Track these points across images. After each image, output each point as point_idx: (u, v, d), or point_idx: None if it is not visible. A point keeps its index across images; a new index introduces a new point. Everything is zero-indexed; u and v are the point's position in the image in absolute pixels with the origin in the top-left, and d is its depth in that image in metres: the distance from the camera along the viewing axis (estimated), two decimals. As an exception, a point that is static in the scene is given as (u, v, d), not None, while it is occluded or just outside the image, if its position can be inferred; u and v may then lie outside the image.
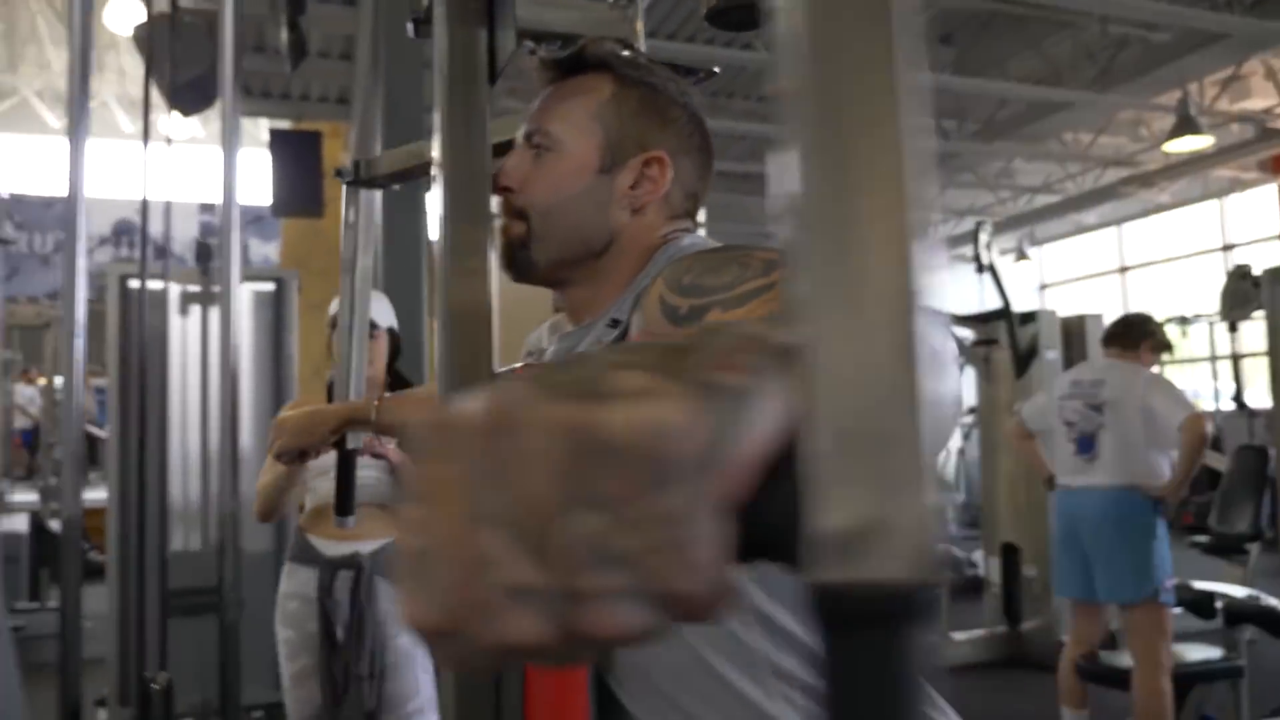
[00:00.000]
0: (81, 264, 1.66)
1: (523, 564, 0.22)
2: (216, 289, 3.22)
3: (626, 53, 0.95)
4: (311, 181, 6.87)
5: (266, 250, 13.19)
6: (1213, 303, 9.46)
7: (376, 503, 1.86)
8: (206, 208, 13.74)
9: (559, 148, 0.89)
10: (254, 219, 13.87)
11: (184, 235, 13.69)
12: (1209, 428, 2.84)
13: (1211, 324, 8.75)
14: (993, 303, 4.59)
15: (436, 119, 0.90)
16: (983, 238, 3.79)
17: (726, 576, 0.23)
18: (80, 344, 1.65)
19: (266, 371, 3.09)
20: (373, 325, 2.30)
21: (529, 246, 0.90)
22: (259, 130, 13.79)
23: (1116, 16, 5.63)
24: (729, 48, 5.97)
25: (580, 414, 0.23)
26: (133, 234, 13.54)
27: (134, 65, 12.68)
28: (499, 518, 0.23)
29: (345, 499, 1.35)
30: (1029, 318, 4.60)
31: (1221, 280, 9.63)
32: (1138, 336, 3.05)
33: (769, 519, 0.26)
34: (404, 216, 4.03)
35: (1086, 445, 3.00)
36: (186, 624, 2.55)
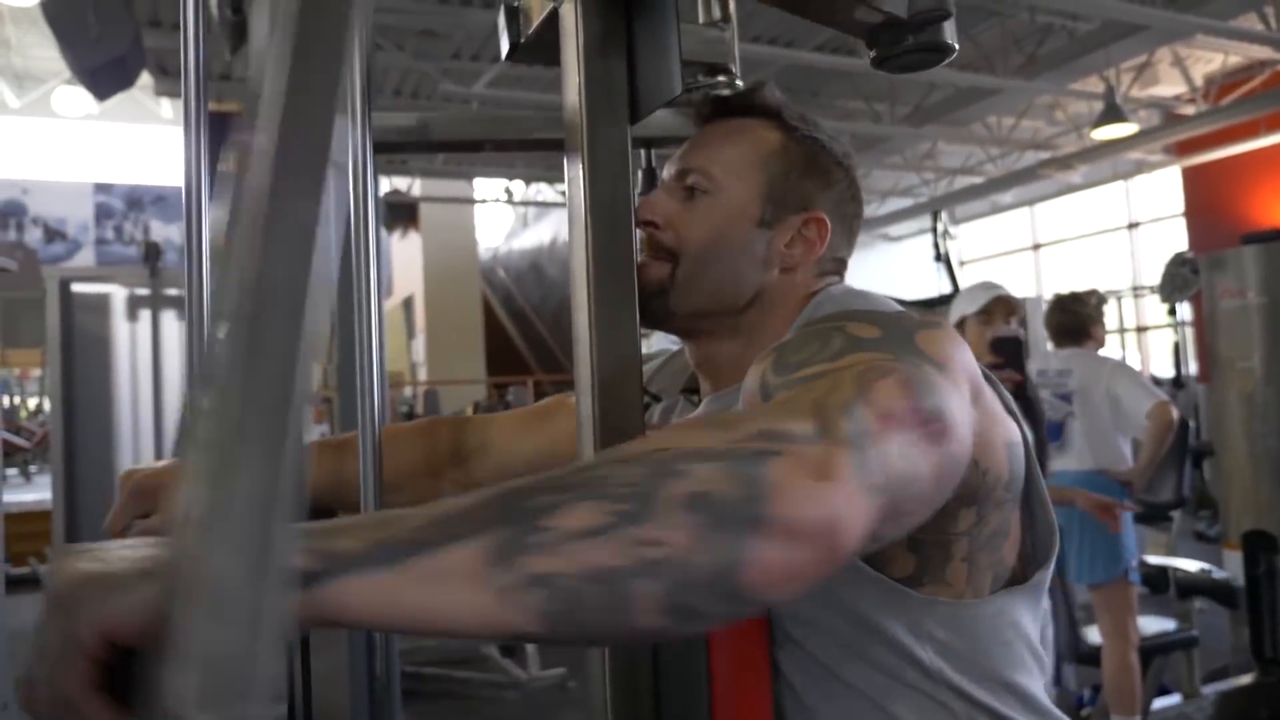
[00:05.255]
0: None
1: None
2: (170, 291, 3.00)
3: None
4: (235, 166, 6.52)
5: (168, 232, 12.49)
6: (1117, 278, 9.98)
7: None
8: (103, 188, 12.92)
9: (719, 192, 0.83)
10: (155, 199, 13.13)
11: (78, 215, 12.85)
12: (1174, 414, 2.96)
13: (1120, 299, 9.23)
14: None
15: (570, 163, 0.83)
16: (940, 227, 3.84)
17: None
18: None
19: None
20: None
21: (669, 292, 0.83)
22: (159, 107, 13.00)
23: (1043, 6, 5.79)
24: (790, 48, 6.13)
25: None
26: (18, 214, 12.62)
27: (17, 35, 11.74)
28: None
29: None
30: (974, 302, 4.71)
31: (1125, 257, 10.11)
32: (1083, 327, 3.16)
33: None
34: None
35: (1055, 433, 3.09)
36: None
